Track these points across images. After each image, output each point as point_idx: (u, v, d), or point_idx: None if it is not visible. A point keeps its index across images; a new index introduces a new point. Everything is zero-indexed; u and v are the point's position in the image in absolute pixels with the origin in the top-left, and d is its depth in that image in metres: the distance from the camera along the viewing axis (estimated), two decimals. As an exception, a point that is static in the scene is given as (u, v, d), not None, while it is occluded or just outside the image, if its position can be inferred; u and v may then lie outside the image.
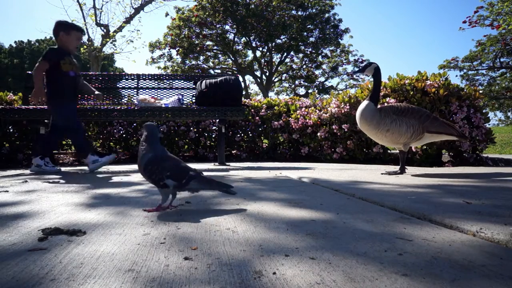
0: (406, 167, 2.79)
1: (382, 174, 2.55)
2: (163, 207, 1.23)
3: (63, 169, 3.43)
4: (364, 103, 2.50)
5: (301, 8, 16.16)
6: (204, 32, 16.12)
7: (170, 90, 4.30)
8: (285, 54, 17.57)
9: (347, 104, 4.12)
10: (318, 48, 17.26)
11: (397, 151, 4.16)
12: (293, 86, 20.17)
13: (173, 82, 4.35)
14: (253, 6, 15.27)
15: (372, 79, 2.64)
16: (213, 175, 2.60)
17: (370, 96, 2.52)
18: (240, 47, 17.95)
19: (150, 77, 4.34)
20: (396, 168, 2.71)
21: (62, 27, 2.90)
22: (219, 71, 18.14)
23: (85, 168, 3.52)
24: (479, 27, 13.79)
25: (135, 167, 3.46)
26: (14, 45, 32.94)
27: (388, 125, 2.41)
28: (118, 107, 3.44)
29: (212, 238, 0.88)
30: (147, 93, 4.26)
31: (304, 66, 18.61)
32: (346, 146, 4.10)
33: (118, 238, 0.89)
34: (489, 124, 3.91)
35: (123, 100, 4.31)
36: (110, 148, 4.80)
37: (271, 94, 20.07)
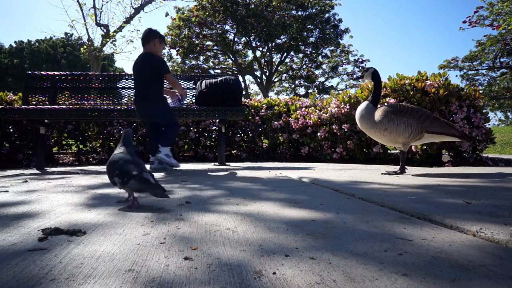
0: (406, 167, 2.79)
1: (382, 174, 2.55)
2: (129, 203, 1.34)
3: (62, 169, 3.43)
4: (364, 104, 2.53)
5: (301, 8, 16.16)
6: (204, 32, 16.12)
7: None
8: (285, 54, 17.57)
9: (347, 104, 4.12)
10: (318, 48, 17.26)
11: (397, 151, 4.16)
12: (293, 86, 20.17)
13: (173, 82, 4.34)
14: (253, 6, 15.27)
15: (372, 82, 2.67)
16: (212, 175, 2.60)
17: (371, 98, 2.55)
18: (240, 47, 17.95)
19: (150, 77, 4.33)
20: (396, 168, 2.71)
21: (158, 35, 3.16)
22: (219, 71, 18.14)
23: (85, 168, 3.53)
24: (479, 27, 13.80)
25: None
26: (14, 45, 32.95)
27: (386, 124, 2.41)
28: (118, 107, 3.44)
29: (212, 238, 0.88)
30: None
31: (304, 66, 18.61)
32: (346, 146, 4.10)
33: (118, 238, 0.89)
34: (489, 124, 3.91)
35: (123, 100, 4.31)
36: (110, 148, 4.80)
37: (271, 94, 20.08)
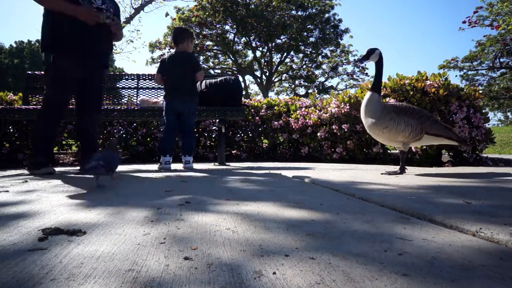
0: (406, 167, 2.79)
1: (382, 174, 2.55)
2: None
3: (62, 169, 3.43)
4: (368, 94, 2.46)
5: (301, 8, 16.16)
6: (204, 32, 16.11)
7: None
8: (285, 54, 17.57)
9: (347, 104, 4.13)
10: (318, 48, 17.26)
11: (397, 151, 4.15)
12: (293, 86, 20.18)
13: (173, 82, 4.33)
14: (253, 6, 15.27)
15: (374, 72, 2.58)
16: (212, 175, 2.60)
17: (373, 86, 2.48)
18: (240, 47, 17.95)
19: (150, 77, 4.34)
20: (396, 168, 2.71)
21: (191, 35, 3.31)
22: (219, 71, 18.14)
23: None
24: (479, 27, 13.80)
25: (134, 167, 3.46)
26: (14, 45, 32.96)
27: (387, 123, 2.40)
28: (118, 107, 3.44)
29: (212, 238, 0.88)
30: (147, 93, 4.25)
31: (304, 66, 18.62)
32: (346, 146, 4.10)
33: (118, 238, 0.89)
34: (488, 124, 3.91)
35: (123, 100, 4.31)
36: (110, 148, 4.80)
37: (271, 94, 20.08)
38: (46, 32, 2.66)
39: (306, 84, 19.31)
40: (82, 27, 2.60)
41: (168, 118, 3.19)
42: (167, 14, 16.13)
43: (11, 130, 4.39)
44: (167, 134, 3.20)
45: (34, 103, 3.89)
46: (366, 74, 18.75)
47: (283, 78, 20.09)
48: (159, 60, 3.35)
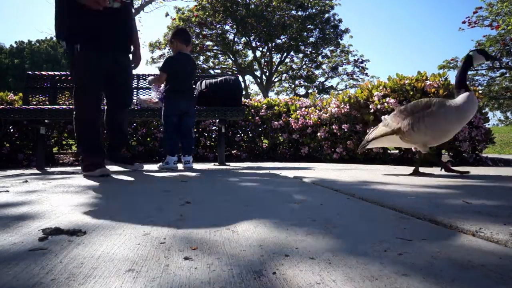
0: (406, 167, 2.78)
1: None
2: None
3: (62, 169, 3.43)
4: (470, 94, 2.28)
5: (301, 8, 16.17)
6: (204, 32, 16.12)
7: (170, 90, 4.28)
8: (285, 54, 17.58)
9: (347, 104, 4.13)
10: (318, 48, 17.28)
11: (396, 151, 4.15)
12: (293, 86, 20.19)
13: (173, 82, 4.33)
14: (253, 6, 15.28)
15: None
16: (212, 175, 2.60)
17: (464, 83, 2.33)
18: (240, 47, 17.96)
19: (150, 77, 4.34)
20: (397, 168, 2.70)
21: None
22: (219, 71, 18.15)
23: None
24: (479, 27, 13.81)
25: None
26: (14, 45, 32.97)
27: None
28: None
29: (212, 238, 0.89)
30: (146, 93, 4.25)
31: (304, 66, 18.63)
32: (346, 146, 4.10)
33: (118, 238, 0.89)
34: (488, 124, 3.91)
35: (123, 100, 4.30)
36: (110, 148, 4.80)
37: (271, 94, 20.09)
38: (63, 23, 2.50)
39: (306, 84, 19.32)
40: (98, 15, 2.42)
41: (171, 118, 3.18)
42: (167, 14, 16.16)
43: (11, 130, 4.40)
44: (173, 134, 3.20)
45: (34, 103, 3.89)
46: (366, 74, 18.77)
47: (283, 78, 20.10)
48: (165, 60, 3.29)
